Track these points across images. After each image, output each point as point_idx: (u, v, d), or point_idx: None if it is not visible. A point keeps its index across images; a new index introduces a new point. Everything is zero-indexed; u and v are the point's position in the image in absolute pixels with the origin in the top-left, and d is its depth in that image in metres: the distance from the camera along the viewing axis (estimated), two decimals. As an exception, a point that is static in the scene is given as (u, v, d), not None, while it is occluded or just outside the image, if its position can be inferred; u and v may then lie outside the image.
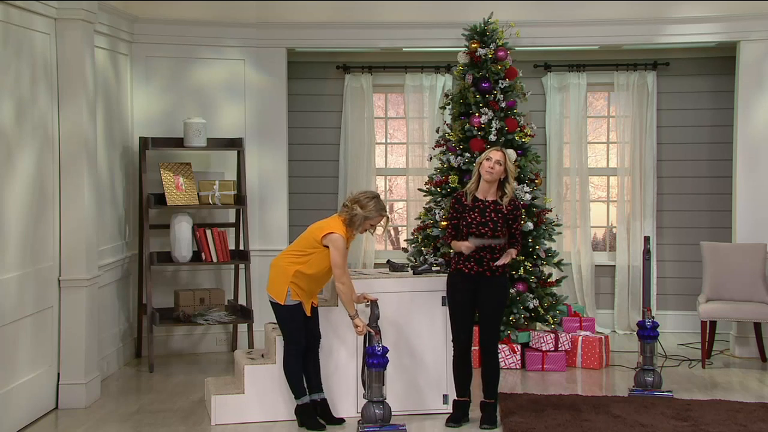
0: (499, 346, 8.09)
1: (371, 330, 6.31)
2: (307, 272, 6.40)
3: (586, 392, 7.47)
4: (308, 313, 6.50)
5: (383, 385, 6.27)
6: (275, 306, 6.48)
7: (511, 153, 8.47)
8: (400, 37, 9.17)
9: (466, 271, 6.45)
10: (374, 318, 6.36)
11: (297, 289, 6.42)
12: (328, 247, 6.36)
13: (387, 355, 6.27)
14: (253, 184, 9.01)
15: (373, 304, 6.40)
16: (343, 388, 6.72)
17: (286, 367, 6.50)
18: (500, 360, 8.05)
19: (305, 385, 6.53)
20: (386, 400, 6.31)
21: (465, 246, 6.38)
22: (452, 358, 6.63)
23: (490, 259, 6.39)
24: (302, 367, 6.52)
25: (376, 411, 6.25)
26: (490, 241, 6.35)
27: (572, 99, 9.79)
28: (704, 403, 7.06)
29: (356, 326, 6.34)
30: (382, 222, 6.56)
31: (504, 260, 6.37)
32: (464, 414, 6.61)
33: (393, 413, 6.41)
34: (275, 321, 6.65)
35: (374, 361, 6.23)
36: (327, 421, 6.53)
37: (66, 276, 7.01)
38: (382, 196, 10.01)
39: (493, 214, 6.40)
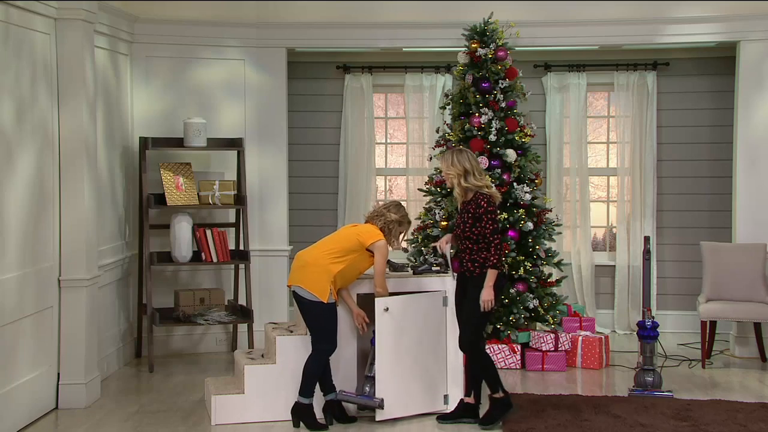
0: (498, 346, 8.14)
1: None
2: (345, 273, 6.50)
3: (586, 392, 7.47)
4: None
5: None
6: (316, 305, 6.44)
7: (511, 153, 8.48)
8: (400, 37, 9.16)
9: (456, 270, 6.68)
10: None
11: (334, 289, 6.49)
12: (370, 251, 6.52)
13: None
14: (253, 184, 9.01)
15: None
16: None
17: (311, 366, 6.45)
18: (498, 360, 8.09)
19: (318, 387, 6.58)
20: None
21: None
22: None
23: (468, 260, 6.49)
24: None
25: (366, 388, 6.60)
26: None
27: (572, 99, 9.79)
28: (704, 403, 7.06)
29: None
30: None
31: (441, 244, 6.67)
32: (464, 414, 6.61)
33: (392, 414, 6.41)
34: (275, 321, 6.64)
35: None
36: (340, 420, 6.59)
37: (66, 276, 7.01)
38: (381, 196, 10.10)
39: (464, 215, 6.53)
